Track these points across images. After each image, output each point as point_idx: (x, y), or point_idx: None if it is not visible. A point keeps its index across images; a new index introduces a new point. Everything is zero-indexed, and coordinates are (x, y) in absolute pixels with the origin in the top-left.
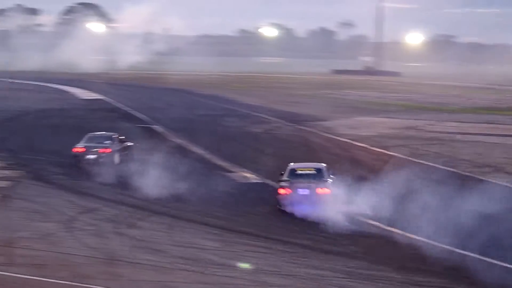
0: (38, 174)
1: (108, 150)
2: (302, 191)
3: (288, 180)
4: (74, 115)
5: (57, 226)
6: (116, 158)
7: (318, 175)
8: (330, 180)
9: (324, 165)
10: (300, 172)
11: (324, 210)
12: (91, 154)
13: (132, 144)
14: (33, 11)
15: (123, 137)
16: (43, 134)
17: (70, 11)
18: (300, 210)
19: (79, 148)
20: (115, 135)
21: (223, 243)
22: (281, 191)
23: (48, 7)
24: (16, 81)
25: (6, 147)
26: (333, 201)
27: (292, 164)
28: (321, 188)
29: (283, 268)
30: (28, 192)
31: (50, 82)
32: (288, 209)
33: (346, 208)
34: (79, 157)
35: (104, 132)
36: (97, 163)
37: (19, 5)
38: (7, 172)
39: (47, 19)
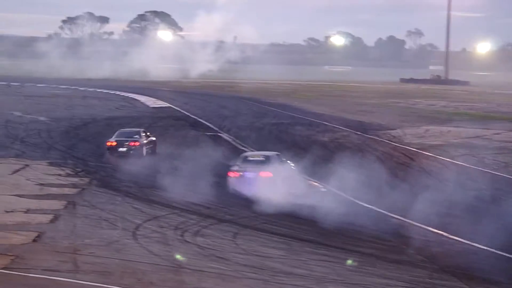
0: (105, 181)
1: (137, 143)
2: (249, 174)
3: (238, 165)
4: (142, 122)
5: (122, 233)
6: (144, 151)
7: (266, 161)
8: (279, 166)
9: (275, 153)
10: (250, 159)
11: (266, 192)
12: (123, 147)
13: (155, 139)
14: (103, 20)
15: (148, 132)
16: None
17: (140, 19)
18: (246, 191)
19: (111, 142)
20: (142, 131)
21: (288, 251)
22: (231, 174)
23: (118, 15)
24: (88, 89)
25: (74, 154)
26: (275, 183)
27: (245, 153)
28: (265, 172)
29: (348, 277)
30: (94, 199)
31: (120, 90)
32: (236, 190)
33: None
34: (112, 149)
35: (133, 128)
36: (128, 155)
37: (89, 14)
38: (74, 179)
39: (117, 27)
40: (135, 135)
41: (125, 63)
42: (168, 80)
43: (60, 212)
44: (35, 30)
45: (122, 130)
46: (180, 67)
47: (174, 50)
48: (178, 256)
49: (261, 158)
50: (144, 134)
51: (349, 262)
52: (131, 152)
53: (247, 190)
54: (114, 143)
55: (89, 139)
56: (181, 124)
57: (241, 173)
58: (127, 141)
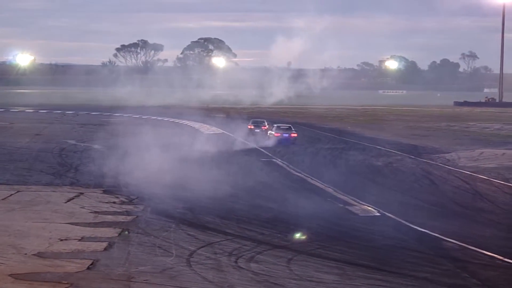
0: (160, 208)
1: (265, 127)
2: (285, 134)
3: (275, 130)
4: (197, 149)
5: (177, 260)
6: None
7: (290, 128)
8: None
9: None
10: (281, 126)
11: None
12: (258, 129)
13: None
14: (157, 47)
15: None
16: (166, 167)
17: (193, 46)
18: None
19: (251, 125)
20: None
21: (342, 276)
22: (276, 134)
23: (172, 43)
24: (142, 116)
25: (128, 182)
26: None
27: (275, 124)
28: (293, 133)
29: None
30: (149, 227)
31: (176, 118)
32: (278, 143)
33: None
34: (252, 130)
35: (260, 119)
36: (261, 134)
37: (144, 41)
38: (129, 207)
39: (171, 54)
40: (263, 122)
41: (180, 89)
42: (223, 106)
43: (114, 239)
44: (90, 58)
45: (254, 119)
46: (234, 93)
47: (228, 76)
48: None
49: (287, 126)
50: (267, 122)
51: None
52: (262, 133)
53: (285, 142)
54: (252, 127)
55: (143, 166)
56: (235, 150)
57: (280, 134)
58: (259, 125)
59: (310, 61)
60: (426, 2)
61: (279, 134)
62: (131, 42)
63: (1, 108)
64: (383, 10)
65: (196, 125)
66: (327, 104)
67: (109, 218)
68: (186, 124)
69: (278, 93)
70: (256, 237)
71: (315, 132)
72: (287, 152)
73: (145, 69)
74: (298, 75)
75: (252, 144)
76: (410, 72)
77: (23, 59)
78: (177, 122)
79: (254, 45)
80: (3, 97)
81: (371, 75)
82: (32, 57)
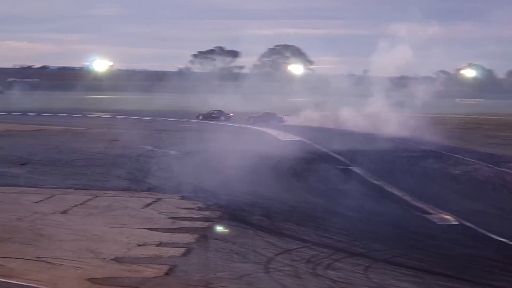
0: (237, 214)
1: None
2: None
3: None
4: (274, 156)
5: (254, 266)
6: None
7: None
8: None
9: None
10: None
11: None
12: None
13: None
14: (234, 54)
15: None
16: (242, 174)
17: (270, 53)
18: None
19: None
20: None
21: (420, 285)
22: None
23: (249, 49)
24: (218, 123)
25: (205, 188)
26: None
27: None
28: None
29: None
30: (226, 233)
31: (246, 123)
32: None
33: None
34: None
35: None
36: None
37: (220, 48)
38: (206, 213)
39: (248, 61)
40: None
41: (255, 97)
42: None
43: (192, 245)
44: (166, 64)
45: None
46: (310, 101)
47: (304, 83)
48: None
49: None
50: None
51: None
52: None
53: None
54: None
55: (220, 172)
56: (312, 158)
57: None
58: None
59: (388, 69)
60: (503, 11)
61: None
62: (208, 49)
63: (79, 114)
64: (460, 18)
65: (274, 132)
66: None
67: (187, 224)
68: (263, 131)
69: (374, 101)
70: (333, 244)
71: (393, 140)
72: (364, 159)
73: (221, 76)
74: (363, 82)
75: (328, 152)
76: (487, 80)
77: (101, 65)
78: (255, 128)
79: (330, 52)
80: (80, 103)
81: (448, 83)
82: (109, 63)
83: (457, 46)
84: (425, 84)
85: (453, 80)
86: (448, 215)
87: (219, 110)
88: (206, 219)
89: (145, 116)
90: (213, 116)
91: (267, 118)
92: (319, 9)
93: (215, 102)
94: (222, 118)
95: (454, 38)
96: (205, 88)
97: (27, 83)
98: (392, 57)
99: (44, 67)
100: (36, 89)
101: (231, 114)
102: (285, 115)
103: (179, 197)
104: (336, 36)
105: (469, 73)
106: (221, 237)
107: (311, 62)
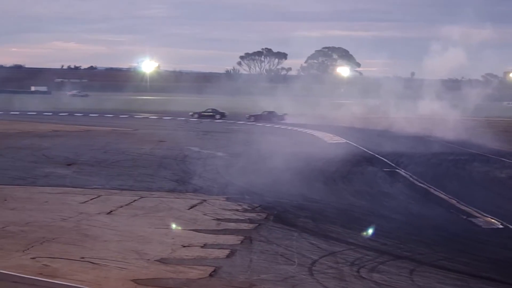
0: (282, 216)
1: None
2: None
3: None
4: (319, 158)
5: (299, 269)
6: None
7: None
8: None
9: None
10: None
11: None
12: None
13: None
14: (281, 56)
15: None
16: (288, 176)
17: (317, 55)
18: None
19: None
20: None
21: None
22: None
23: (296, 51)
24: (265, 124)
25: (251, 190)
26: None
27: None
28: None
29: None
30: (271, 235)
31: (301, 127)
32: None
33: None
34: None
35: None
36: None
37: (268, 50)
38: (252, 215)
39: (295, 63)
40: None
41: (302, 99)
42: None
43: (236, 247)
44: (214, 66)
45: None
46: (360, 103)
47: (351, 86)
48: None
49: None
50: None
51: None
52: None
53: None
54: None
55: (266, 174)
56: (358, 160)
57: None
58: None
59: (440, 71)
60: None
61: None
62: (255, 51)
63: (126, 115)
64: (508, 21)
65: (320, 134)
66: (449, 115)
67: (232, 225)
68: (309, 133)
69: (426, 104)
70: (378, 247)
71: (439, 143)
72: (411, 162)
73: (269, 78)
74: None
75: (375, 154)
76: None
77: (148, 66)
78: (301, 131)
79: (378, 54)
80: (127, 104)
81: (495, 86)
82: (156, 64)
83: (506, 49)
84: (477, 87)
85: (502, 83)
86: (494, 219)
87: (270, 112)
88: (251, 221)
89: (191, 118)
90: (263, 117)
91: (268, 116)
92: (368, 11)
93: (266, 104)
94: (275, 119)
95: (503, 41)
96: (253, 89)
97: (74, 84)
98: (445, 60)
99: (92, 68)
100: (83, 89)
101: (285, 115)
102: (285, 114)
103: (225, 199)
104: (385, 39)
105: None
106: (265, 239)
107: (358, 65)
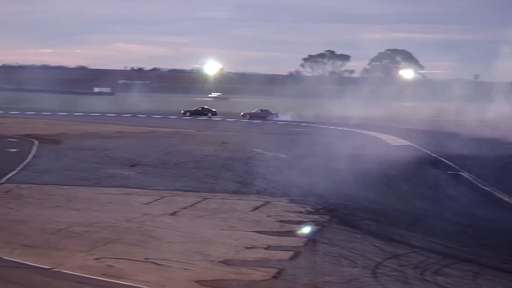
0: (346, 219)
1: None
2: None
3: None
4: (383, 160)
5: (362, 271)
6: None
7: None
8: None
9: None
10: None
11: None
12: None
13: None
14: (344, 58)
15: None
16: (351, 179)
17: (380, 57)
18: None
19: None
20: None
21: None
22: None
23: (359, 53)
24: (328, 127)
25: (315, 192)
26: None
27: None
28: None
29: None
30: (335, 237)
31: (364, 129)
32: None
33: None
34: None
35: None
36: None
37: (331, 52)
38: (315, 217)
39: (358, 65)
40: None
41: (369, 101)
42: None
43: (300, 249)
44: (276, 68)
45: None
46: (421, 105)
47: (415, 88)
48: None
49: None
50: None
51: None
52: None
53: None
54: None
55: (329, 176)
56: (422, 162)
57: None
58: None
59: (506, 74)
60: None
61: None
62: (318, 53)
63: (188, 117)
64: None
65: (383, 136)
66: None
67: (295, 227)
68: (372, 135)
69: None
70: (442, 249)
71: (504, 146)
72: (475, 165)
73: (335, 80)
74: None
75: (439, 157)
76: None
77: (212, 68)
78: (365, 133)
79: (442, 57)
80: (191, 105)
81: None
82: (220, 66)
83: None
84: None
85: None
86: None
87: (264, 110)
88: (314, 223)
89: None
90: (256, 115)
91: (263, 114)
92: (432, 14)
93: (334, 106)
94: (269, 117)
95: None
96: (319, 91)
97: (137, 85)
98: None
99: (155, 69)
100: (146, 91)
101: (278, 113)
102: (278, 112)
103: (288, 200)
104: (448, 41)
105: None
106: (329, 241)
107: (421, 67)
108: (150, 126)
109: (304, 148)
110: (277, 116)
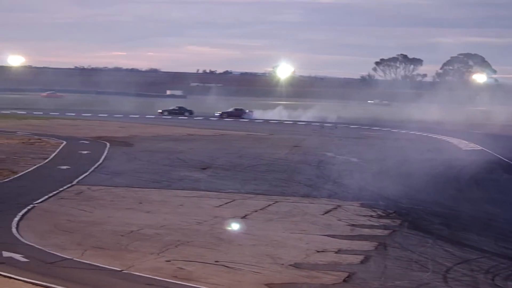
0: (417, 223)
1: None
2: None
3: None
4: (454, 165)
5: (433, 276)
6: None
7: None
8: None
9: None
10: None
11: None
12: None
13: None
14: (416, 62)
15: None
16: (422, 183)
17: (453, 61)
18: None
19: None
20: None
21: None
22: None
23: (431, 58)
24: (400, 131)
25: (386, 196)
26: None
27: None
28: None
29: None
30: (405, 241)
31: (436, 133)
32: None
33: None
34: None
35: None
36: None
37: (403, 56)
38: (386, 221)
39: (430, 69)
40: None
41: (441, 105)
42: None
43: (371, 253)
44: (348, 72)
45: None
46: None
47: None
48: None
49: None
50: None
51: None
52: None
53: None
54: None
55: (400, 180)
56: (493, 167)
57: None
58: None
59: None
60: None
61: None
62: (391, 57)
63: (260, 119)
64: None
65: (455, 140)
66: None
67: (366, 231)
68: (444, 139)
69: None
70: None
71: None
72: None
73: (405, 84)
74: None
75: (510, 162)
76: None
77: (284, 71)
78: (436, 137)
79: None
80: (261, 108)
81: None
82: (292, 69)
83: None
84: None
85: None
86: None
87: (238, 109)
88: (385, 227)
89: (326, 123)
90: (233, 113)
91: (238, 113)
92: (505, 18)
93: (414, 110)
94: (244, 115)
95: None
96: (394, 96)
97: (210, 88)
98: None
99: (227, 72)
100: (219, 94)
101: (252, 112)
102: (251, 110)
103: (359, 204)
104: None
105: None
106: (400, 246)
107: (494, 71)
108: (222, 129)
109: (375, 152)
110: (251, 115)
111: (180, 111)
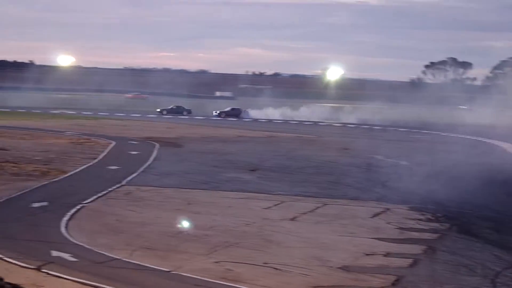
0: (466, 227)
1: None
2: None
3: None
4: (504, 169)
5: (481, 280)
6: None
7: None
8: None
9: None
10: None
11: None
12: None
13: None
14: (466, 65)
15: None
16: (472, 187)
17: (503, 65)
18: None
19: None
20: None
21: None
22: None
23: (481, 61)
24: (449, 134)
25: (435, 199)
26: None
27: None
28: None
29: None
30: (454, 245)
31: (486, 137)
32: None
33: None
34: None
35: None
36: None
37: (453, 59)
38: (435, 224)
39: (480, 73)
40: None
41: (493, 110)
42: None
43: (419, 256)
44: (397, 74)
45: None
46: None
47: None
48: None
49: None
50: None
51: None
52: None
53: None
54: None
55: (450, 184)
56: None
57: None
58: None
59: None
60: None
61: None
62: (440, 60)
63: (309, 122)
64: None
65: (505, 145)
66: None
67: (415, 235)
68: (494, 143)
69: None
70: None
71: None
72: None
73: (455, 87)
74: None
75: None
76: None
77: (333, 73)
78: (485, 141)
79: None
80: (310, 111)
81: None
82: (342, 71)
83: None
84: None
85: None
86: None
87: (235, 108)
88: (434, 231)
89: (375, 126)
90: (230, 113)
91: (234, 112)
92: None
93: (457, 114)
94: (241, 115)
95: None
96: (445, 99)
97: (259, 90)
98: None
99: (276, 74)
100: (268, 96)
101: (248, 111)
102: (248, 110)
103: (408, 208)
104: None
105: None
106: (448, 249)
107: None
108: (270, 130)
109: (424, 155)
110: (248, 114)
111: (178, 110)
